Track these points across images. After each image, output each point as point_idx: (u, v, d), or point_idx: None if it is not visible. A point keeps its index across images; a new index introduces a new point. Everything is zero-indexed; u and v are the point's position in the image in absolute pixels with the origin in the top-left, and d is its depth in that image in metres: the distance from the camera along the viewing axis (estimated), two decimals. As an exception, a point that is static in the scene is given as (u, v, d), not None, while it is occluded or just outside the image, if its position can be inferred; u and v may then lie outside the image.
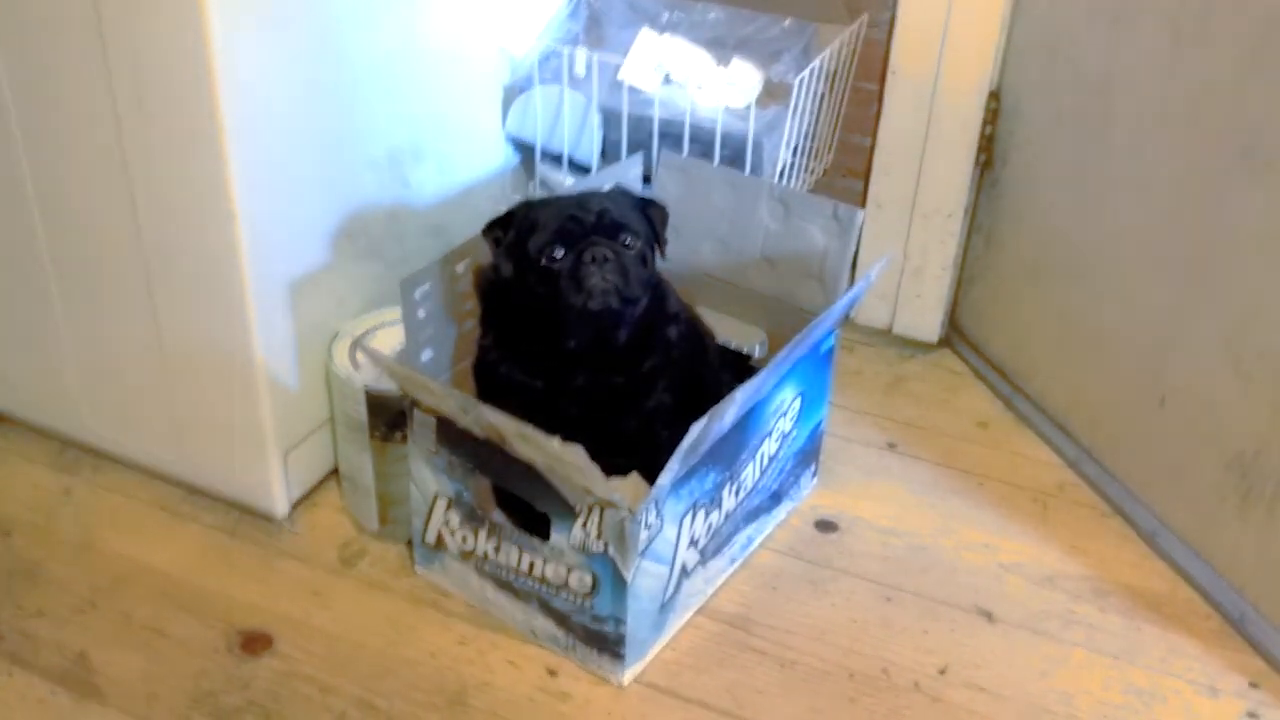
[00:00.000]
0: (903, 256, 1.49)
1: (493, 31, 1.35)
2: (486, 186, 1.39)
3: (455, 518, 1.06)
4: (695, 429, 0.90)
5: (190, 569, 1.14)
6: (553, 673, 1.04)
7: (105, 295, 1.14)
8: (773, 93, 1.32)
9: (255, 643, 1.06)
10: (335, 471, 1.23)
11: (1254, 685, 1.06)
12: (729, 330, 1.26)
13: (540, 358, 1.04)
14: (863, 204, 1.49)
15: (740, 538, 1.15)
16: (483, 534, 1.05)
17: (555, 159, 1.40)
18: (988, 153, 1.40)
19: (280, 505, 1.17)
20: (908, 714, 1.02)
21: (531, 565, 1.03)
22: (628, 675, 1.03)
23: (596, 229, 0.99)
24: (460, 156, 1.34)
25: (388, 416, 1.09)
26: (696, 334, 1.16)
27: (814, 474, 1.27)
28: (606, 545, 0.96)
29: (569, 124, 1.36)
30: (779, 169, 1.32)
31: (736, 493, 1.10)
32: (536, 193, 1.42)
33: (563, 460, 0.92)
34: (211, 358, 1.10)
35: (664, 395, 1.07)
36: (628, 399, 1.06)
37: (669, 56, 1.34)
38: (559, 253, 0.98)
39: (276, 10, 1.00)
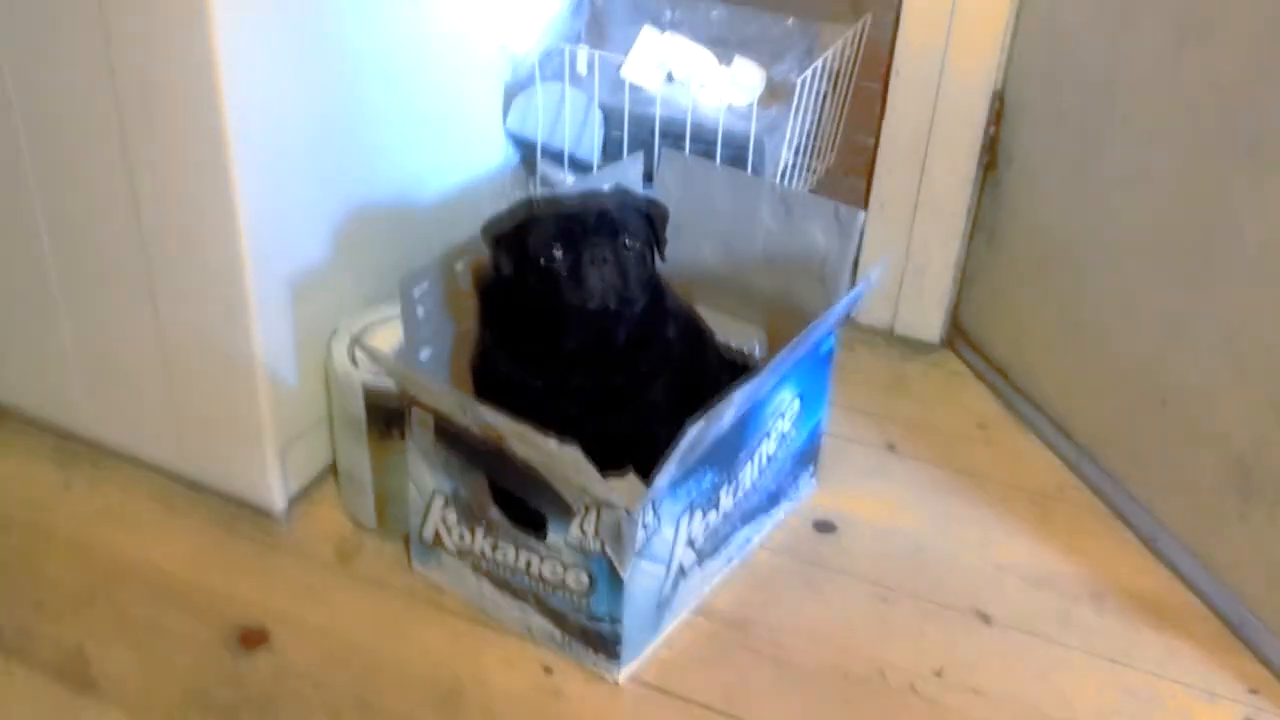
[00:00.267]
0: (905, 256, 1.49)
1: (494, 29, 1.35)
2: (488, 184, 1.40)
3: (452, 516, 1.07)
4: (692, 430, 0.90)
5: (187, 564, 1.15)
6: (549, 671, 1.05)
7: (106, 290, 1.14)
8: (775, 92, 1.32)
9: (251, 639, 1.07)
10: (333, 468, 1.23)
11: (1253, 691, 1.06)
12: (729, 330, 1.26)
13: (538, 356, 1.04)
14: (865, 203, 1.49)
15: (738, 538, 1.15)
16: (480, 532, 1.05)
17: (556, 157, 1.41)
18: (991, 153, 1.40)
19: (278, 501, 1.18)
20: (903, 716, 1.03)
21: (528, 564, 1.03)
22: (624, 674, 1.04)
23: (596, 229, 0.99)
24: (461, 154, 1.35)
25: (386, 414, 1.10)
26: (695, 334, 1.16)
27: (813, 474, 1.27)
28: (603, 545, 0.96)
29: (570, 122, 1.36)
30: (781, 169, 1.33)
31: (734, 493, 1.10)
32: (537, 190, 1.43)
33: (560, 460, 0.92)
34: (211, 353, 1.11)
35: (662, 395, 1.07)
36: (626, 398, 1.06)
37: (671, 55, 1.34)
38: (558, 252, 0.99)
39: (279, 8, 1.00)
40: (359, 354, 1.12)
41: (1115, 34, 1.19)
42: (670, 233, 1.08)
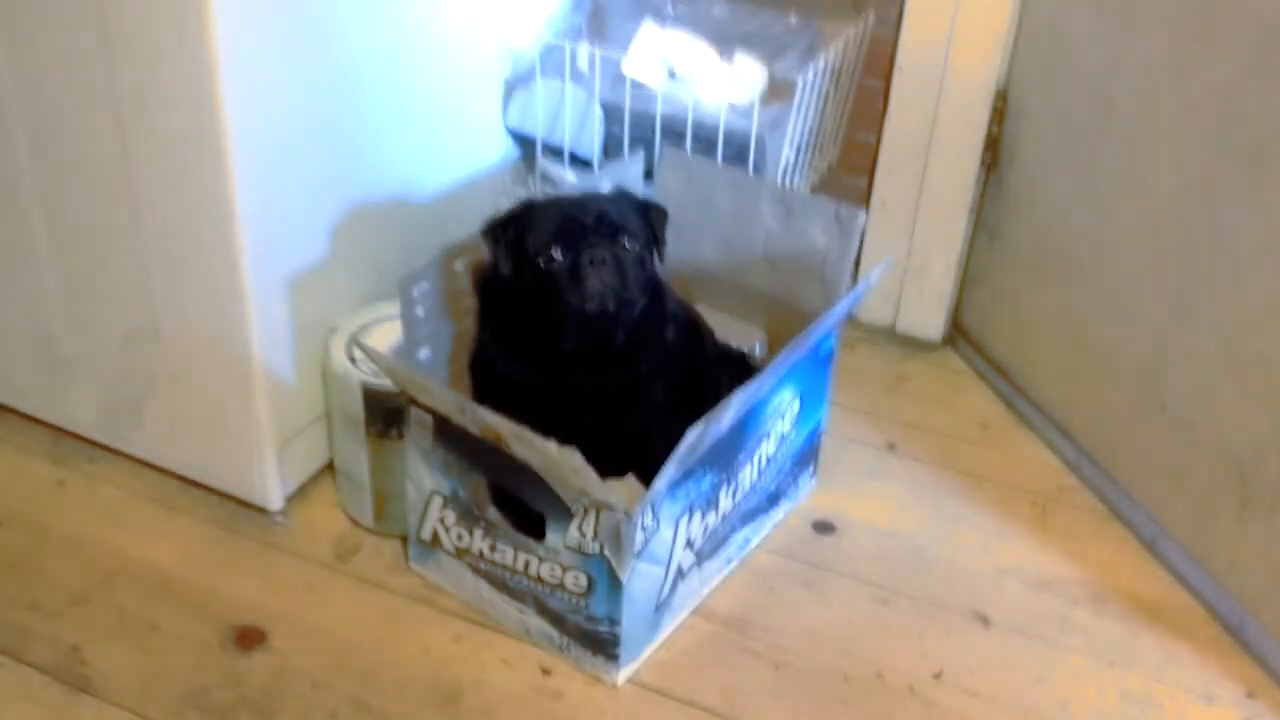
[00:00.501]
0: (906, 255, 1.49)
1: (495, 24, 1.35)
2: (487, 180, 1.40)
3: (451, 516, 1.07)
4: (691, 434, 0.91)
5: (184, 563, 1.15)
6: (547, 672, 1.05)
7: (102, 286, 1.14)
8: (776, 90, 1.32)
9: (249, 638, 1.07)
10: (331, 466, 1.23)
11: (1250, 695, 1.07)
12: (729, 329, 1.26)
13: (537, 357, 1.05)
14: (867, 202, 1.49)
15: (737, 539, 1.16)
16: (478, 533, 1.06)
17: (556, 153, 1.41)
18: (993, 152, 1.40)
19: (275, 499, 1.18)
20: (901, 718, 1.03)
21: (527, 565, 1.04)
22: (622, 675, 1.04)
23: (596, 230, 1.00)
24: (461, 149, 1.35)
25: (384, 413, 1.10)
26: (695, 334, 1.17)
27: (812, 475, 1.28)
28: (602, 547, 0.97)
29: (570, 119, 1.36)
30: (782, 167, 1.33)
31: (733, 494, 1.10)
32: (537, 186, 1.43)
33: (559, 462, 0.92)
34: (208, 350, 1.11)
35: (661, 396, 1.08)
36: (624, 399, 1.07)
37: (672, 51, 1.34)
38: (557, 253, 0.99)
39: (278, 5, 1.00)
40: (357, 353, 1.12)
41: (1115, 37, 1.20)
42: (670, 232, 1.08)
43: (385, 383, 1.09)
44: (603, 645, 1.03)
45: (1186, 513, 1.18)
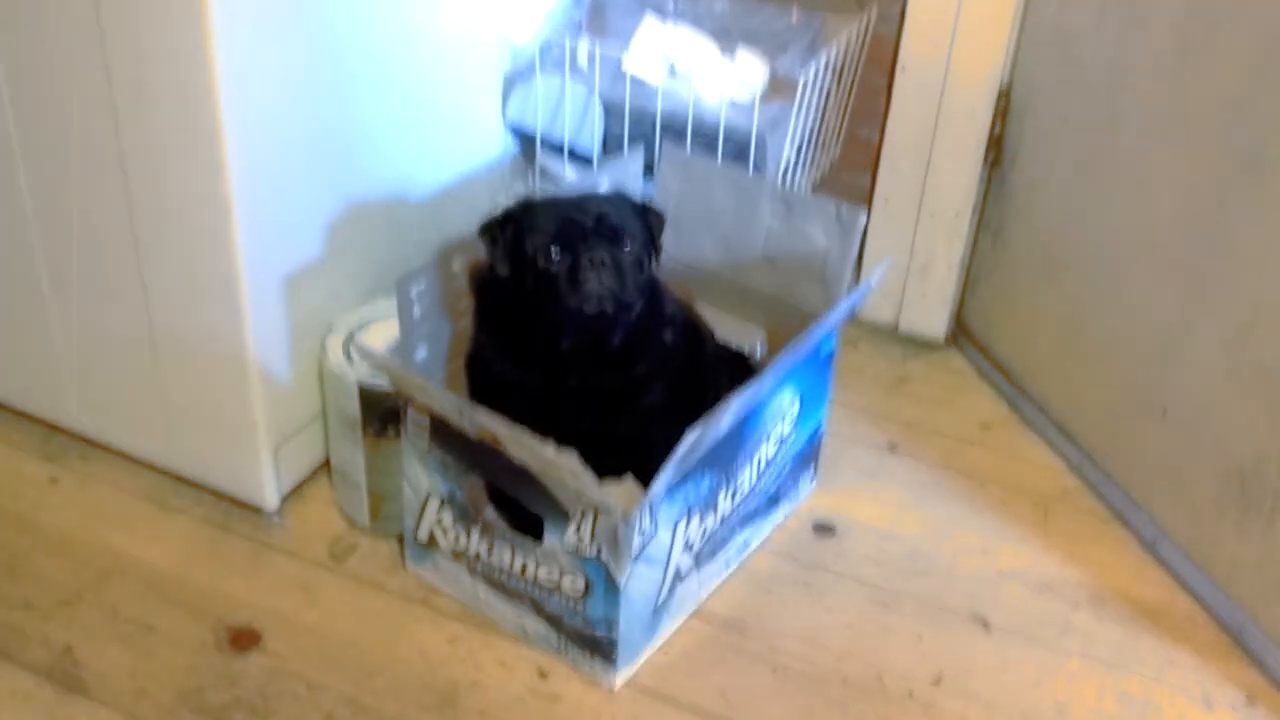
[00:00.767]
0: (909, 253, 1.49)
1: (494, 18, 1.35)
2: (486, 175, 1.40)
3: (448, 517, 1.08)
4: (689, 437, 0.91)
5: (178, 562, 1.15)
6: (544, 674, 1.06)
7: (97, 282, 1.14)
8: (778, 87, 1.32)
9: (244, 639, 1.07)
10: (327, 465, 1.24)
11: (1250, 699, 1.08)
12: (729, 329, 1.26)
13: (535, 358, 1.05)
14: (869, 199, 1.50)
15: (736, 541, 1.16)
16: (475, 534, 1.06)
17: (556, 149, 1.41)
18: (997, 151, 1.40)
19: (270, 498, 1.18)
20: (900, 722, 1.04)
21: (524, 567, 1.04)
22: (619, 678, 1.05)
23: (595, 232, 1.00)
24: (459, 144, 1.35)
25: (381, 412, 1.11)
26: (693, 336, 1.17)
27: (813, 476, 1.28)
28: (599, 549, 0.97)
29: (570, 115, 1.36)
30: (784, 164, 1.33)
31: (732, 496, 1.11)
32: (536, 182, 1.43)
33: (556, 465, 0.93)
34: (203, 348, 1.11)
35: (658, 398, 1.08)
36: (622, 401, 1.07)
37: (673, 47, 1.34)
38: (557, 254, 0.99)
39: (274, 1, 1.00)
40: (354, 352, 1.13)
41: (1119, 38, 1.20)
42: (670, 230, 1.08)
43: (382, 382, 1.09)
44: (600, 648, 1.03)
45: (1187, 516, 1.18)
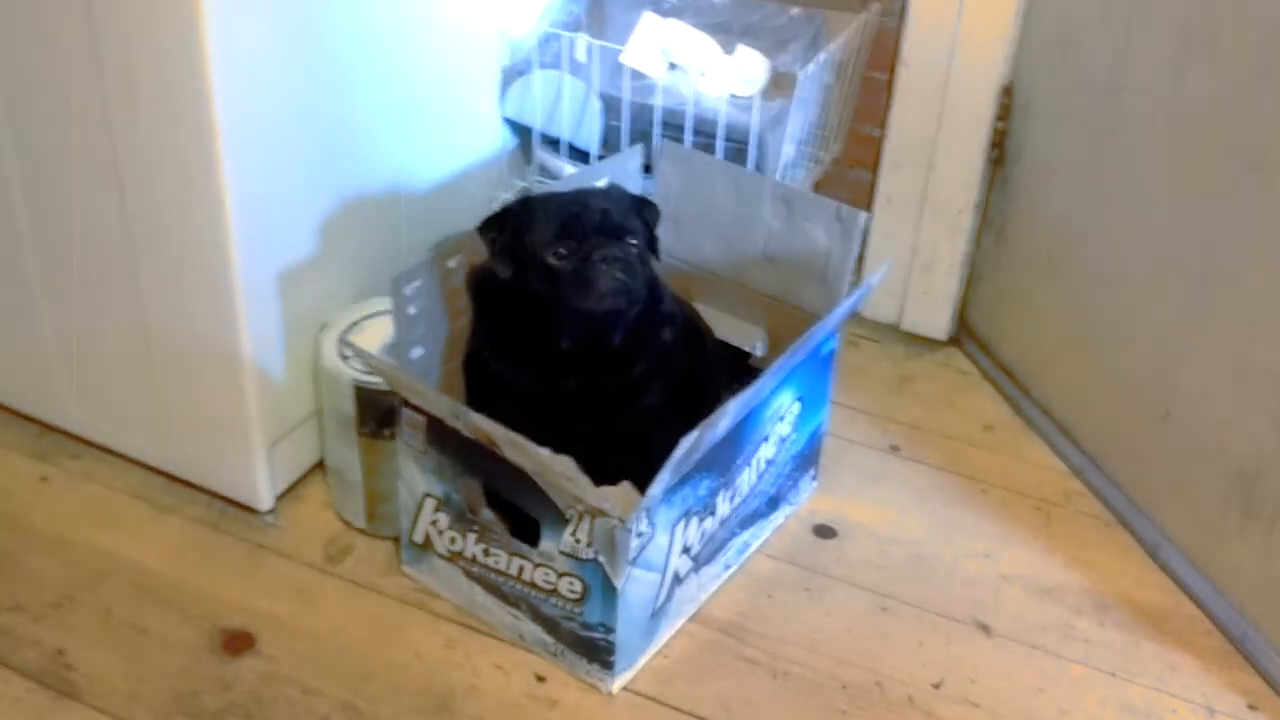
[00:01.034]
0: (912, 251, 1.49)
1: (492, 12, 1.34)
2: (483, 170, 1.40)
3: (444, 519, 1.08)
4: (687, 440, 0.92)
5: (171, 563, 1.15)
6: (541, 679, 1.06)
7: (89, 279, 1.14)
8: (779, 83, 1.32)
9: (238, 642, 1.08)
10: (322, 465, 1.24)
11: (1252, 707, 1.08)
12: (729, 328, 1.27)
13: (533, 358, 1.05)
14: (871, 197, 1.50)
15: (736, 543, 1.17)
16: (471, 536, 1.06)
17: (554, 144, 1.41)
18: (1000, 148, 1.40)
19: (265, 499, 1.18)
20: (900, 728, 1.04)
21: (520, 570, 1.04)
22: (617, 683, 1.05)
23: (601, 228, 1.00)
24: (456, 139, 1.35)
25: (377, 412, 1.11)
26: (692, 335, 1.17)
27: (813, 477, 1.29)
28: (597, 553, 0.98)
29: (569, 110, 1.36)
30: (785, 161, 1.33)
31: (732, 499, 1.11)
32: (535, 178, 1.43)
33: (552, 469, 0.93)
34: (197, 345, 1.11)
35: (657, 398, 1.08)
36: (621, 401, 1.07)
37: (673, 42, 1.34)
38: (563, 252, 0.99)
39: (270, -8, 1.00)
40: (348, 352, 1.13)
41: (1122, 37, 1.20)
42: (670, 228, 1.09)
43: (378, 381, 1.09)
44: (598, 652, 1.03)
45: (1190, 521, 1.19)
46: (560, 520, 0.99)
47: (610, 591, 0.99)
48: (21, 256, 1.17)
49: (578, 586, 1.01)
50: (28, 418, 1.30)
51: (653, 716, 1.04)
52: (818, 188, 1.49)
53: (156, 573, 1.14)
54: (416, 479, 1.08)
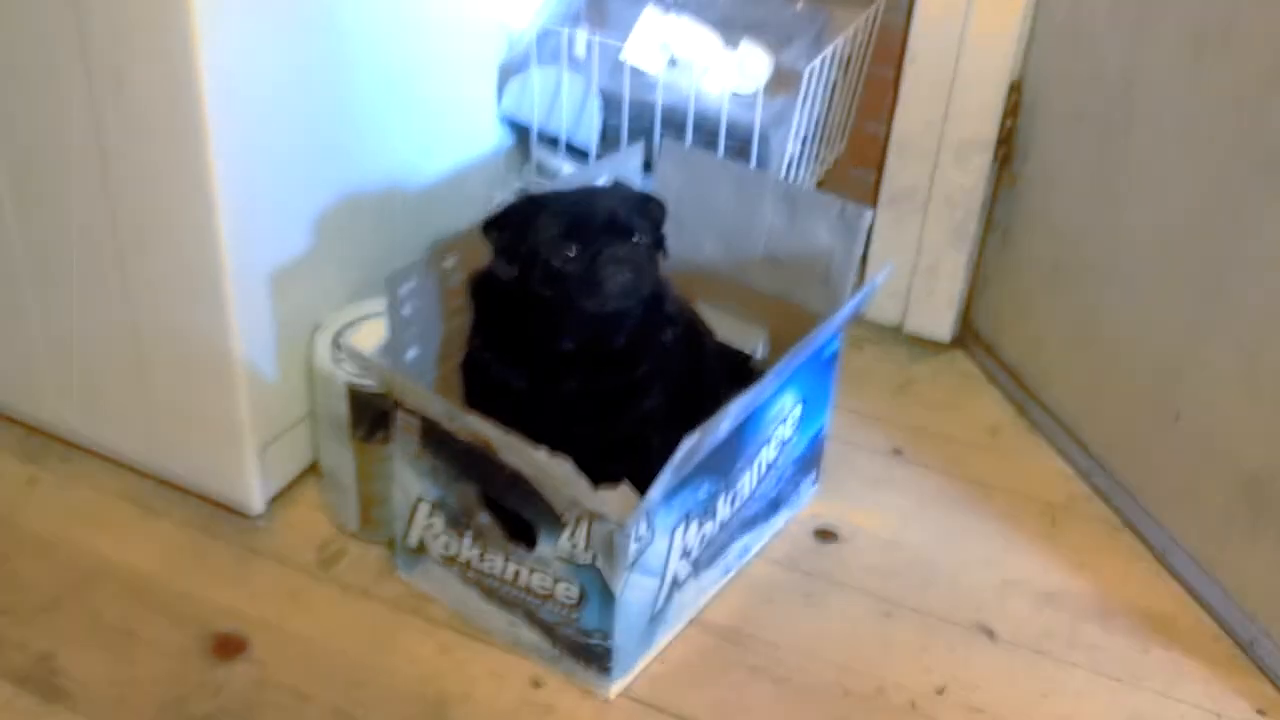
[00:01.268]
0: (916, 252, 1.49)
1: (490, 6, 1.34)
2: (480, 169, 1.39)
3: (439, 523, 1.07)
4: (688, 443, 0.91)
5: (162, 567, 1.15)
6: (537, 684, 1.06)
7: (78, 279, 1.14)
8: (783, 80, 1.31)
9: (228, 646, 1.07)
10: (315, 468, 1.23)
11: (1261, 713, 1.08)
12: (729, 329, 1.26)
13: (533, 360, 1.04)
14: (875, 196, 1.49)
15: (736, 547, 1.16)
16: (467, 541, 1.06)
17: (552, 142, 1.40)
18: (1007, 147, 1.40)
19: (257, 502, 1.18)
20: (903, 736, 1.04)
21: (517, 574, 1.04)
22: (614, 689, 1.05)
23: (608, 227, 0.99)
24: (452, 137, 1.34)
25: (371, 414, 1.10)
26: (694, 336, 1.17)
27: (815, 481, 1.28)
28: (594, 557, 0.97)
29: (567, 107, 1.36)
30: (787, 160, 1.32)
31: (732, 502, 1.11)
32: (533, 176, 1.42)
33: (550, 472, 0.93)
34: (187, 346, 1.11)
35: (657, 400, 1.08)
36: (620, 403, 1.07)
37: (674, 37, 1.33)
38: (571, 252, 0.98)
39: (263, -14, 1.00)
40: (342, 353, 1.12)
41: (1134, 34, 1.19)
42: (670, 227, 1.08)
43: (372, 382, 1.09)
44: (595, 658, 1.03)
45: (1198, 526, 1.18)
46: (557, 524, 0.98)
47: (608, 596, 0.99)
48: (10, 256, 1.17)
49: (575, 591, 1.00)
50: (17, 419, 1.30)
51: (651, 723, 1.04)
52: (819, 187, 1.48)
53: (146, 576, 1.14)
54: (411, 482, 1.07)
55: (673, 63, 1.34)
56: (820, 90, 1.33)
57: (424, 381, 1.12)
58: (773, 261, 1.24)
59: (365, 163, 1.19)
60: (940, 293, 1.51)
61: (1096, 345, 1.31)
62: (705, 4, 1.40)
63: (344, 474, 1.15)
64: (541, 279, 1.00)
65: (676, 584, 1.07)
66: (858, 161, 1.54)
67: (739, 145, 1.30)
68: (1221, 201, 1.11)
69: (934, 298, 1.51)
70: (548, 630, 1.05)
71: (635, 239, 1.00)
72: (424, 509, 1.08)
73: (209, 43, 0.95)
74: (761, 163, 1.30)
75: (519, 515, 1.02)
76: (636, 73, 1.32)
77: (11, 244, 1.16)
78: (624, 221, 1.00)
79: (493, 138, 1.42)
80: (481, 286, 1.09)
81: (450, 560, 1.09)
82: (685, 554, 1.06)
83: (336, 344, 1.13)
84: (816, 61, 1.28)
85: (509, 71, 1.39)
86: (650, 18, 1.34)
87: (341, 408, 1.11)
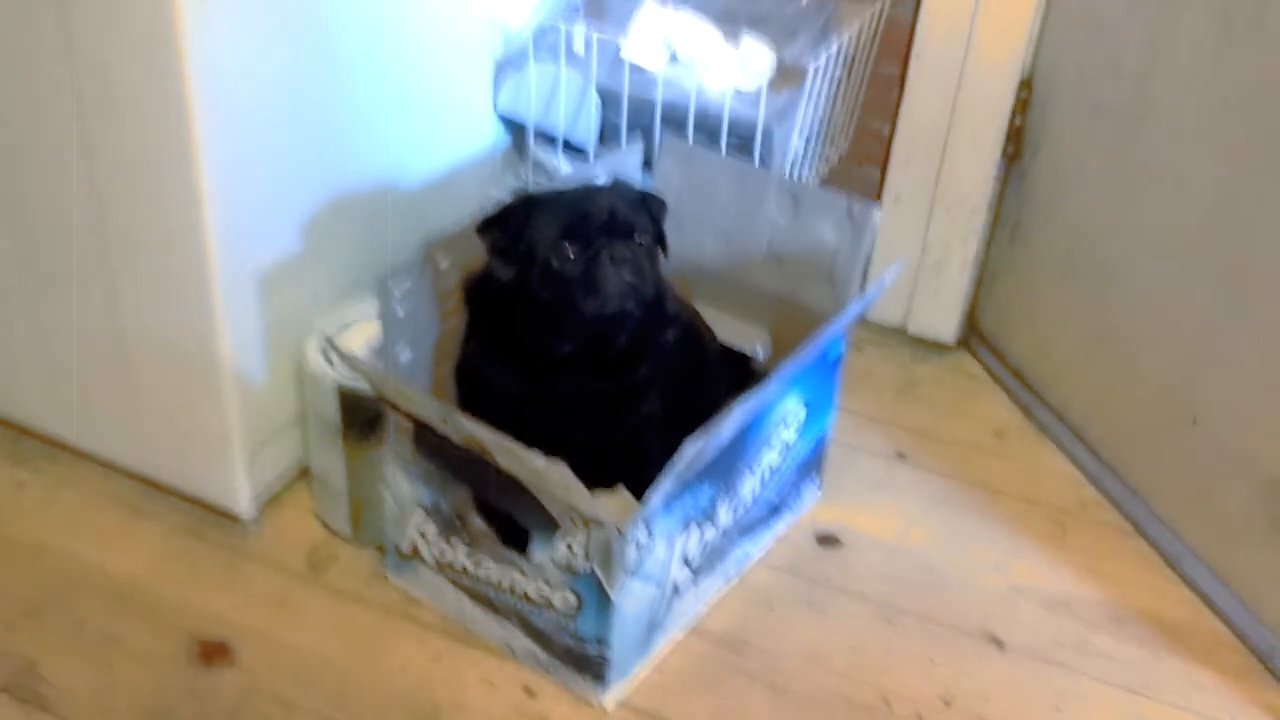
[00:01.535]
0: (920, 251, 1.48)
1: (486, 1, 1.32)
2: (475, 168, 1.38)
3: (432, 528, 1.06)
4: (689, 449, 0.89)
5: (149, 572, 1.14)
6: (531, 693, 1.04)
7: (63, 280, 1.13)
8: (786, 75, 1.30)
9: (215, 654, 1.06)
10: (306, 471, 1.22)
11: (1278, 725, 1.06)
12: (731, 331, 1.25)
13: (531, 363, 1.02)
14: (879, 194, 1.48)
15: (736, 553, 1.14)
16: (461, 546, 1.04)
17: (550, 140, 1.39)
18: (1016, 143, 1.38)
19: (246, 506, 1.17)
20: (908, 749, 1.02)
21: (511, 581, 1.02)
22: (611, 698, 1.03)
23: (609, 227, 0.97)
24: (447, 135, 1.33)
25: (363, 417, 1.09)
26: (695, 337, 1.15)
27: (817, 485, 1.26)
28: (592, 564, 0.95)
29: (565, 105, 1.34)
30: (790, 158, 1.31)
31: (733, 507, 1.09)
32: (529, 176, 1.41)
33: (547, 477, 0.91)
34: (174, 348, 1.09)
35: (656, 403, 1.06)
36: (619, 406, 1.05)
37: (675, 32, 1.32)
38: (570, 252, 0.96)
39: (250, -22, 0.98)
40: (332, 355, 1.10)
41: (1155, 21, 1.17)
42: (670, 226, 1.07)
43: (364, 385, 1.07)
44: (591, 666, 1.01)
45: (1214, 532, 1.16)
46: (554, 530, 0.96)
47: (605, 604, 0.97)
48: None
49: (571, 599, 0.98)
50: (4, 422, 1.29)
51: (648, 735, 1.02)
52: (824, 185, 1.46)
53: (133, 581, 1.13)
54: (403, 486, 1.05)
55: (673, 59, 1.32)
56: (825, 86, 1.31)
57: (418, 384, 1.10)
58: (775, 260, 1.22)
59: (357, 162, 1.18)
60: (945, 292, 1.49)
61: (1109, 345, 1.29)
62: (706, -2, 1.38)
63: (335, 478, 1.14)
64: (539, 280, 0.98)
65: (675, 591, 1.05)
66: (862, 160, 1.53)
67: (741, 143, 1.29)
68: (1246, 194, 1.08)
69: (939, 297, 1.50)
70: (542, 638, 1.03)
71: (636, 238, 0.98)
72: (417, 514, 1.06)
73: (195, 39, 0.93)
74: (764, 161, 1.29)
75: (514, 521, 1.00)
76: (636, 69, 1.30)
77: (-4, 243, 1.14)
78: (624, 220, 0.98)
79: (488, 136, 1.40)
80: (477, 288, 1.07)
81: (443, 566, 1.07)
82: (686, 561, 1.04)
83: (328, 345, 1.11)
84: (823, 55, 1.26)
85: (505, 68, 1.37)
86: (650, 13, 1.33)
87: (332, 410, 1.10)
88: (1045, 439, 1.38)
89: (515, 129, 1.42)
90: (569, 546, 0.96)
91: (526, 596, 1.01)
